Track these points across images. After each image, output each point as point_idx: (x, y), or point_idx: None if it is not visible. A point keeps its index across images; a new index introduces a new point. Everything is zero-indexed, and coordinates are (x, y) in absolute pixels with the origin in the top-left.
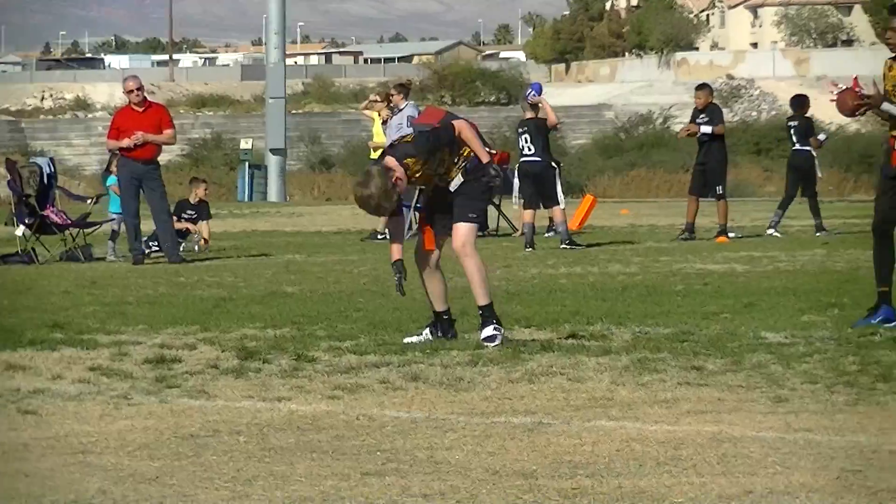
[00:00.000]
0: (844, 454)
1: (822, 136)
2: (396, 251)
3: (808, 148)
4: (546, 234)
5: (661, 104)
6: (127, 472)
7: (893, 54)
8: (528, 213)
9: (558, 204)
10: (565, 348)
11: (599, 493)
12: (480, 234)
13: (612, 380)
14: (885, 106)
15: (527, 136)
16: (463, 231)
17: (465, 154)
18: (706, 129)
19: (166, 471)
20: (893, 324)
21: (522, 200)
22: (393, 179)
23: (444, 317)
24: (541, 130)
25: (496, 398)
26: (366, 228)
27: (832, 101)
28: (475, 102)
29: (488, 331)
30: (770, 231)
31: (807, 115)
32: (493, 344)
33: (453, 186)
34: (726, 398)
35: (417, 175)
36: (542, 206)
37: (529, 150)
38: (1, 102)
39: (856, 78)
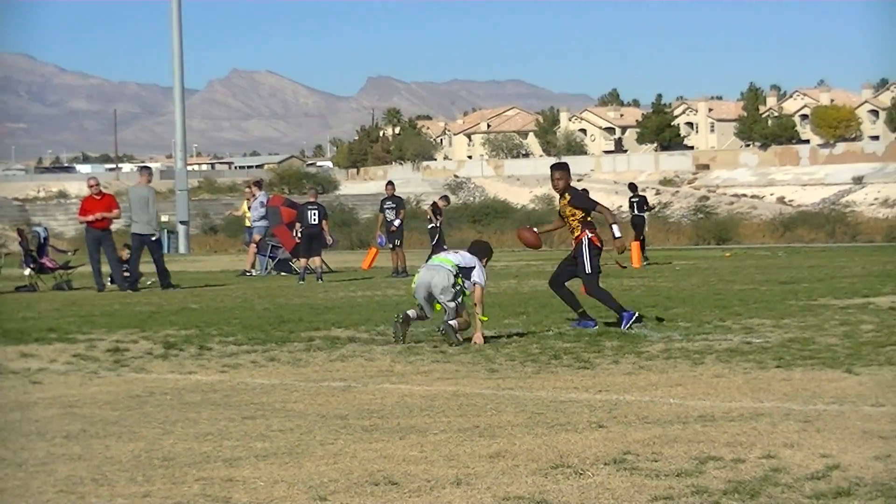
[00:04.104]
0: (533, 403)
1: (653, 206)
2: None
3: (643, 214)
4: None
5: (415, 193)
6: (97, 418)
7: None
8: (303, 260)
9: (320, 255)
10: (363, 340)
11: (386, 428)
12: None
13: (391, 359)
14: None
15: (315, 212)
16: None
17: None
18: (393, 217)
19: (122, 417)
20: (594, 327)
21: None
22: None
23: None
24: (322, 212)
25: (322, 370)
26: (239, 268)
27: (519, 237)
28: (302, 192)
29: None
30: (646, 264)
31: (641, 194)
32: None
33: None
34: (461, 369)
35: None
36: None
37: (314, 220)
38: (13, 194)
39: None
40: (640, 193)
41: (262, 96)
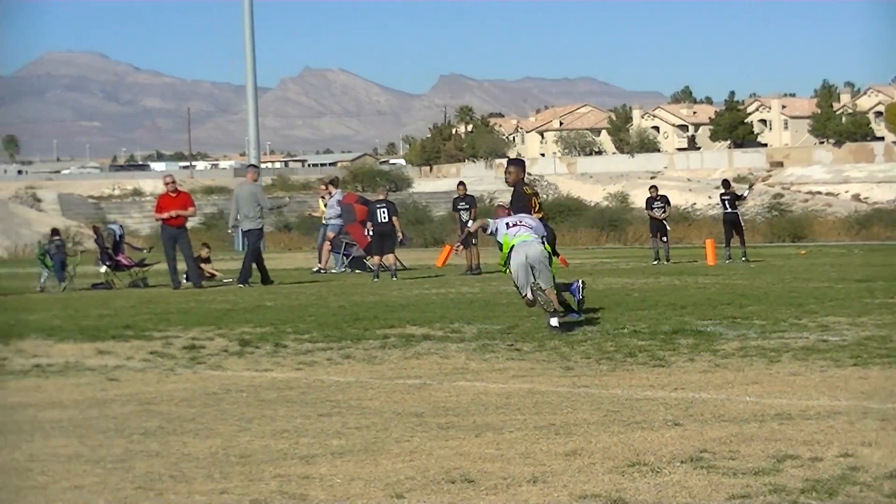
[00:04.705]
0: (608, 400)
1: (745, 193)
2: None
3: (735, 211)
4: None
5: (488, 190)
6: (174, 415)
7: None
8: (377, 258)
9: (394, 252)
10: (437, 338)
11: (462, 426)
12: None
13: (466, 356)
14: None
15: (384, 210)
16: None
17: None
18: (468, 218)
19: (198, 414)
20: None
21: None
22: None
23: None
24: (392, 209)
25: (398, 368)
26: (314, 266)
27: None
28: (375, 190)
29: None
30: (727, 261)
31: (732, 190)
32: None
33: None
34: (536, 367)
35: None
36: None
37: (383, 218)
38: (88, 192)
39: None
40: (731, 191)
41: (335, 94)
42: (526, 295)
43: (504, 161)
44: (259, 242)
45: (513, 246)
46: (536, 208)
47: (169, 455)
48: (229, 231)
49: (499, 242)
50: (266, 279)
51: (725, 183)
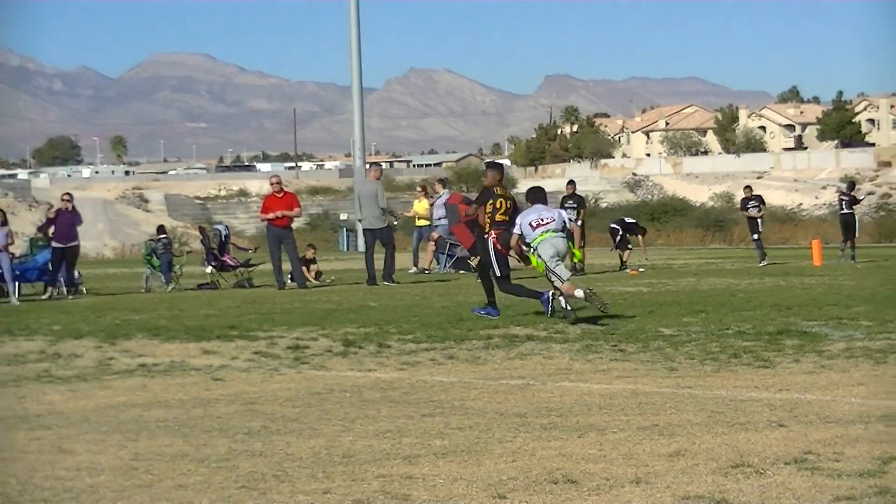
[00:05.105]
0: (713, 401)
1: (863, 197)
2: None
3: (851, 212)
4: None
5: (593, 191)
6: (278, 414)
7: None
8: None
9: None
10: (541, 338)
11: (564, 426)
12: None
13: (570, 357)
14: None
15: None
16: None
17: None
18: (574, 217)
19: (302, 414)
20: (489, 314)
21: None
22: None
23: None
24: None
25: (501, 368)
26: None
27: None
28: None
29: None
30: (848, 261)
31: (852, 193)
32: None
33: None
34: (639, 368)
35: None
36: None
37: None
38: (194, 192)
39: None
40: (851, 193)
41: (440, 95)
42: (562, 283)
43: (609, 161)
44: (391, 238)
45: (540, 241)
46: (501, 210)
47: (272, 455)
48: (361, 224)
49: (528, 243)
50: (372, 280)
51: (850, 185)
